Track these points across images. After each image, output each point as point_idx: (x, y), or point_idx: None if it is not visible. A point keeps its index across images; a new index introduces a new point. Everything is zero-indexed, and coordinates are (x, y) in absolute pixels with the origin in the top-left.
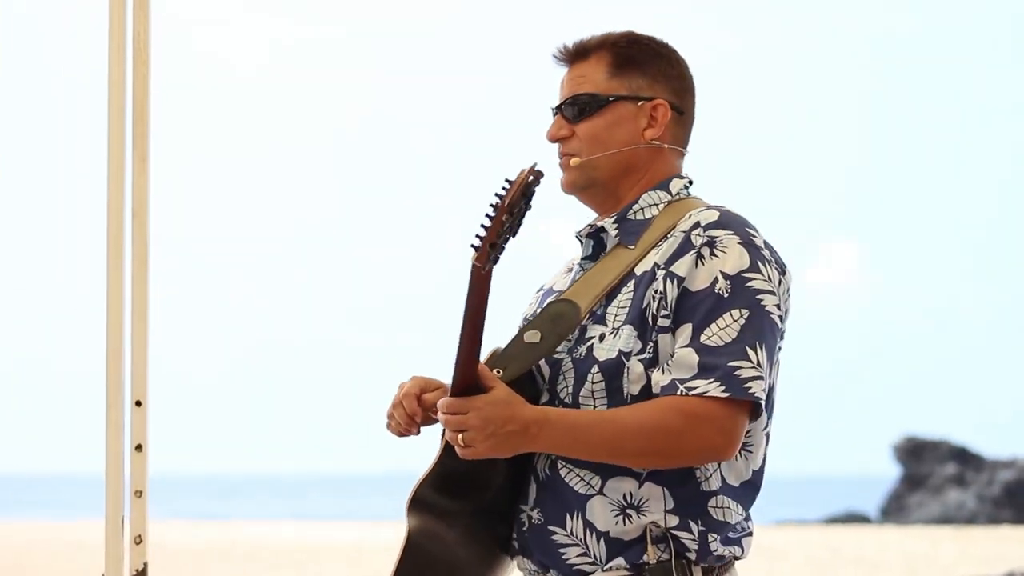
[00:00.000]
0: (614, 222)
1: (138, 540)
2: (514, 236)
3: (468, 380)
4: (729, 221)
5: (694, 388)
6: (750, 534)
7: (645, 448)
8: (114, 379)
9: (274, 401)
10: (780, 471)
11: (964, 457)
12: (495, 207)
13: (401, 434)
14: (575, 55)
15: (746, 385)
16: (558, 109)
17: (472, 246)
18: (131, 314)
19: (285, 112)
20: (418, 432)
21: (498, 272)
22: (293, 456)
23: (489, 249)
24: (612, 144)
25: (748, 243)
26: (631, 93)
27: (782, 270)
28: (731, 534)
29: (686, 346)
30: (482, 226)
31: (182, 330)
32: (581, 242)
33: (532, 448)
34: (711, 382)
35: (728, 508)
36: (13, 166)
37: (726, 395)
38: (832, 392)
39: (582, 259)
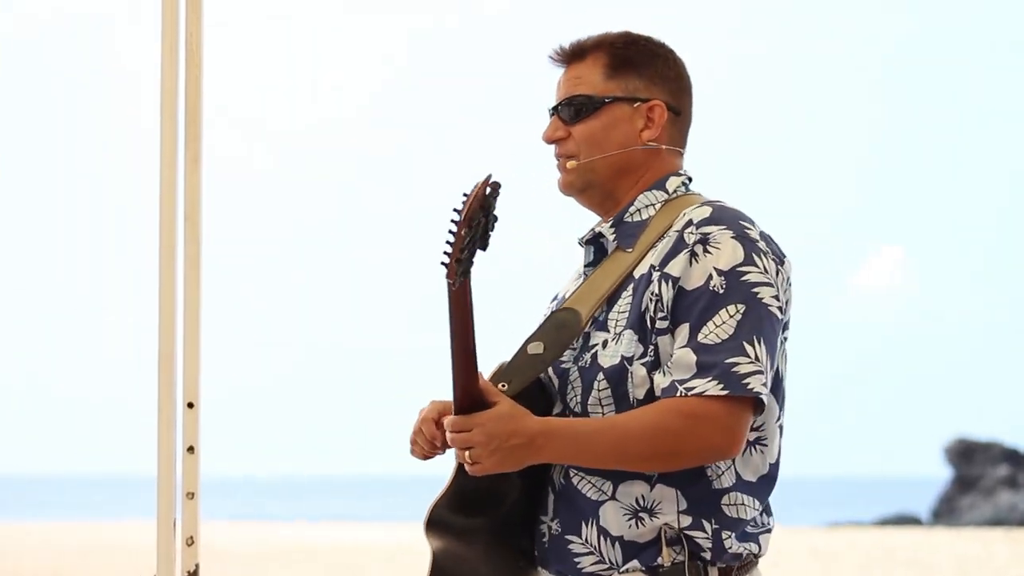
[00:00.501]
0: (611, 226)
1: (190, 542)
2: (483, 249)
3: (471, 397)
4: (722, 216)
5: (693, 388)
6: (769, 530)
7: (649, 451)
8: (166, 381)
9: (324, 403)
10: (832, 473)
11: (1016, 459)
12: (455, 223)
13: (426, 457)
14: (571, 56)
15: (745, 381)
16: (554, 110)
17: (441, 263)
18: (183, 316)
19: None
20: (443, 453)
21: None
22: (343, 457)
23: (456, 264)
24: (608, 146)
25: (742, 236)
26: (627, 94)
27: (780, 260)
28: (748, 529)
29: (684, 346)
30: (447, 242)
31: (231, 332)
32: (591, 242)
33: (539, 460)
34: (709, 381)
35: (742, 505)
36: (66, 168)
37: (724, 393)
38: (884, 394)
39: (585, 266)
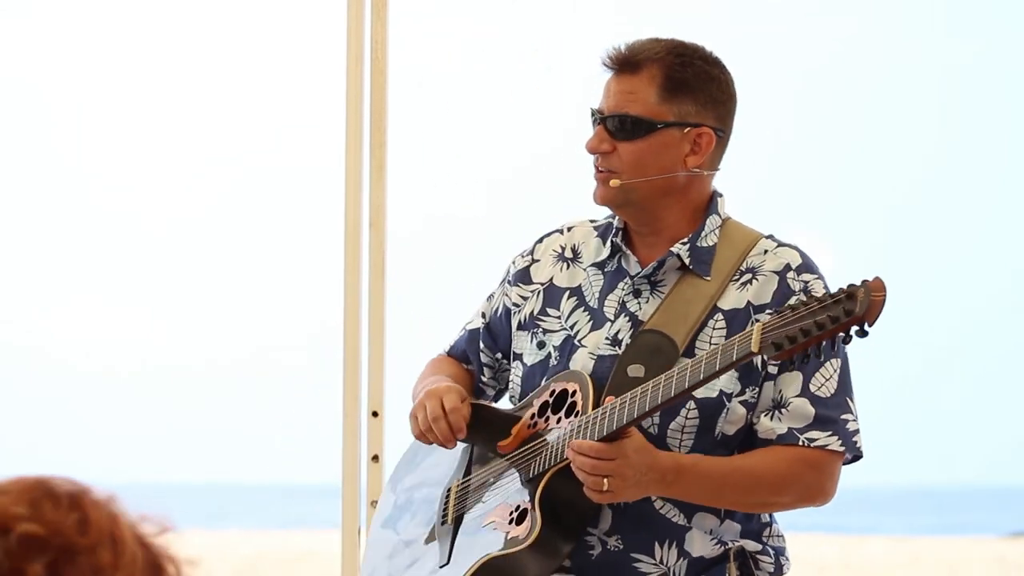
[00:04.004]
0: (688, 249)
1: None
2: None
3: (622, 431)
4: (811, 263)
5: (815, 440)
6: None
7: (773, 499)
8: (351, 390)
9: None
10: (1016, 482)
11: None
12: (820, 324)
13: (431, 443)
14: (625, 65)
15: (854, 440)
16: (601, 119)
17: (774, 343)
18: (368, 324)
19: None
20: (454, 445)
21: None
22: None
23: (791, 351)
24: (653, 170)
25: (827, 288)
26: (678, 119)
27: None
28: (787, 553)
29: (799, 396)
30: (803, 330)
31: (416, 340)
32: (619, 247)
33: (664, 494)
34: (830, 435)
35: (779, 535)
36: (250, 176)
37: (842, 450)
38: None
39: (641, 276)
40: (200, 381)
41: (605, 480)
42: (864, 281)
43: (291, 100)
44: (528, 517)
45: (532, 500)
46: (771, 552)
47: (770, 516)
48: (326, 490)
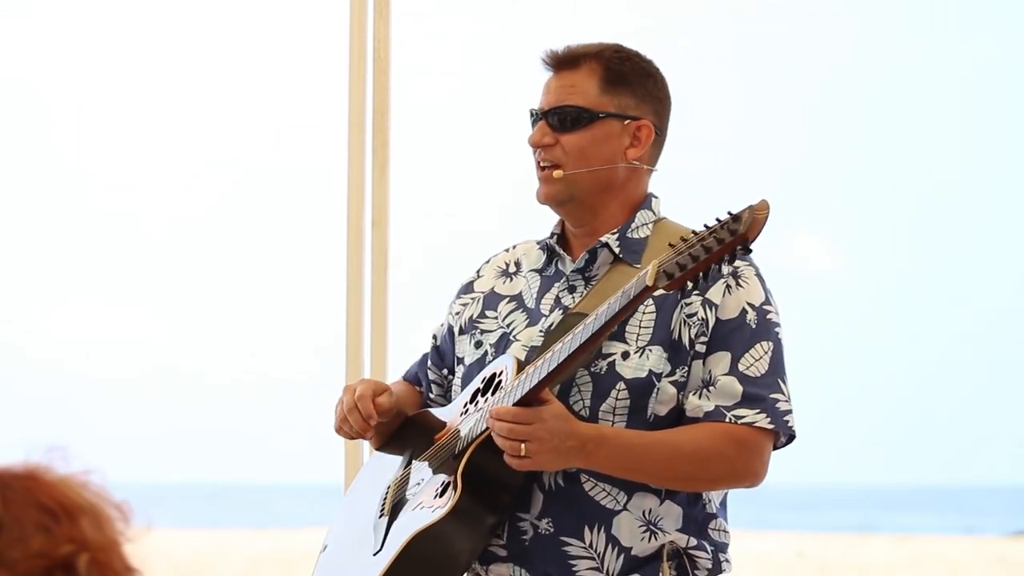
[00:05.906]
0: (617, 239)
1: None
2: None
3: (537, 391)
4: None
5: (742, 417)
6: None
7: (697, 473)
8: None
9: None
10: (1018, 481)
11: None
12: (707, 247)
13: (354, 437)
14: (564, 62)
15: (785, 419)
16: (543, 115)
17: (666, 272)
18: (370, 324)
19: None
20: (373, 435)
21: None
22: None
23: (686, 283)
24: (595, 160)
25: (759, 275)
26: (619, 111)
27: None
28: (728, 551)
29: (727, 374)
30: (692, 256)
31: (420, 340)
32: (554, 250)
33: (583, 465)
34: (758, 413)
35: (724, 530)
36: (250, 176)
37: (771, 427)
38: None
39: (575, 271)
40: (200, 381)
41: (522, 445)
42: (751, 204)
43: (293, 99)
44: (449, 488)
45: (455, 473)
46: (708, 548)
47: (716, 508)
48: (327, 490)
